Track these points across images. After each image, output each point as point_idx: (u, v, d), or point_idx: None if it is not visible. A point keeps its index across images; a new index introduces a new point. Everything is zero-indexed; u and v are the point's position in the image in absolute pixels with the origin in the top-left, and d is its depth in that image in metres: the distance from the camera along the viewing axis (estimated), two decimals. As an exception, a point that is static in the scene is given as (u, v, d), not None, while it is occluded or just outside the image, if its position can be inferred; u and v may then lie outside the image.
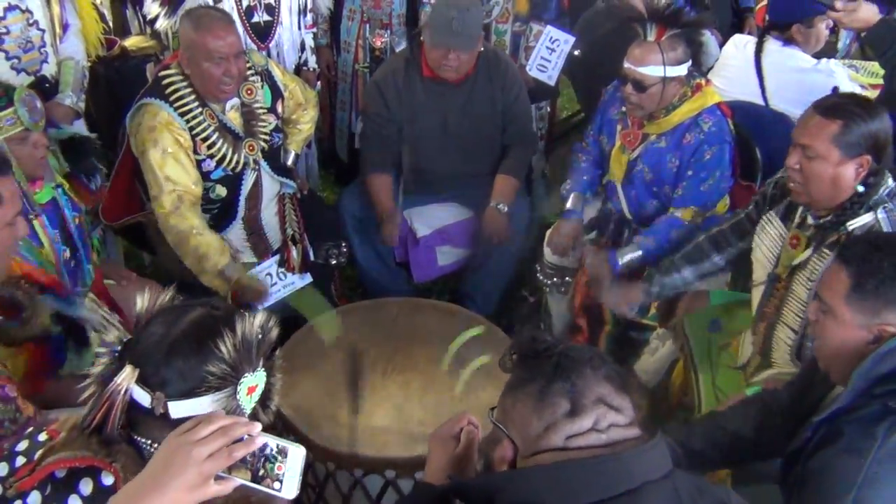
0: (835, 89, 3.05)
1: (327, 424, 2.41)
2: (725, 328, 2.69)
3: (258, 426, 1.23)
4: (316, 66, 3.65)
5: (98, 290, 2.58)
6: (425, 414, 2.45)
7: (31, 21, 2.82)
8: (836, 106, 2.17)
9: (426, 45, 3.15)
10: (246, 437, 1.22)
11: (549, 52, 3.68)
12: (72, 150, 2.73)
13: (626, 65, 2.77)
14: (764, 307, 2.43)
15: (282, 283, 3.07)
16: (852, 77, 3.57)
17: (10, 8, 2.75)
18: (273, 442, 1.24)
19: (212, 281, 2.85)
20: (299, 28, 3.46)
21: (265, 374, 1.44)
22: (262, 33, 3.33)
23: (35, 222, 2.38)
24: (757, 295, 2.47)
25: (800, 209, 2.32)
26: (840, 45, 4.45)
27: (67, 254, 2.50)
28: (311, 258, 3.14)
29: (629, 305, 2.82)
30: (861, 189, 2.15)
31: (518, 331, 3.24)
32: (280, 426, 2.51)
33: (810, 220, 2.27)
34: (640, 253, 2.87)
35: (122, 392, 1.36)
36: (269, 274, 3.04)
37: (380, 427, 2.43)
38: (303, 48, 3.53)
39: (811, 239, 2.26)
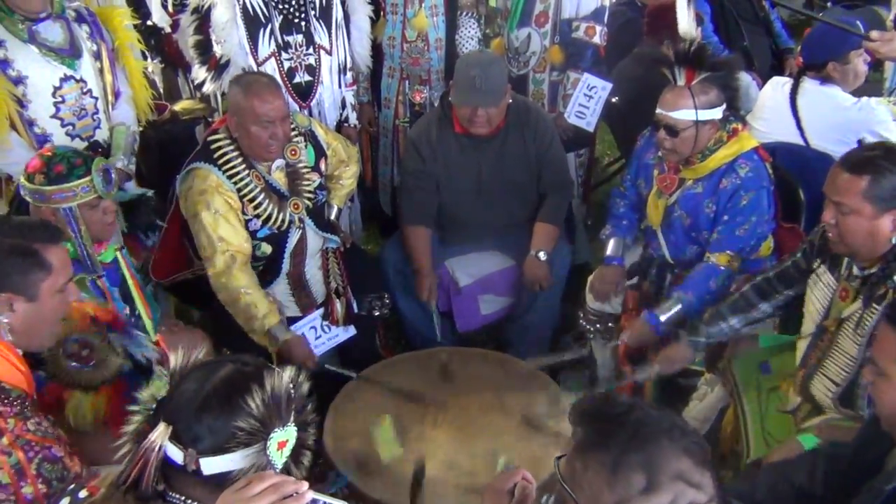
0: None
1: (381, 476, 2.42)
2: (776, 371, 2.65)
3: (306, 484, 1.29)
4: (357, 122, 3.72)
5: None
6: (476, 463, 2.45)
7: (84, 90, 2.93)
8: (863, 160, 2.16)
9: (454, 104, 3.20)
10: (295, 494, 1.28)
11: (587, 98, 3.71)
12: (131, 208, 2.84)
13: (658, 110, 2.78)
14: (808, 358, 2.40)
15: (326, 335, 3.12)
16: (896, 114, 3.53)
17: (65, 78, 2.88)
18: (321, 499, 1.29)
19: (261, 339, 2.92)
20: (340, 86, 3.53)
21: (296, 429, 1.47)
22: (304, 93, 3.42)
23: (98, 283, 2.52)
24: (802, 346, 2.45)
25: (845, 259, 2.30)
26: (887, 84, 4.40)
27: (127, 310, 2.63)
28: (355, 310, 3.19)
29: (680, 364, 2.74)
30: None
31: (566, 380, 3.24)
32: (333, 477, 2.52)
33: (856, 272, 2.25)
34: (680, 307, 2.81)
35: (156, 449, 1.40)
36: (314, 327, 3.09)
37: (432, 478, 2.42)
38: (343, 105, 3.60)
39: (859, 291, 2.23)
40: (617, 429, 1.25)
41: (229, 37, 3.23)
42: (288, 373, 1.48)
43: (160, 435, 1.41)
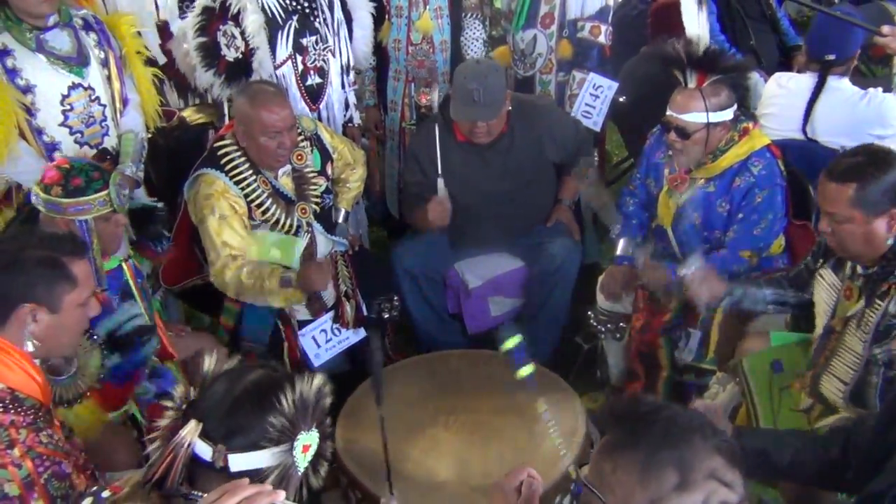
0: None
1: (393, 478, 2.41)
2: (788, 369, 2.63)
3: (282, 494, 1.30)
4: (360, 121, 3.71)
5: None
6: (489, 466, 2.44)
7: (93, 97, 2.93)
8: (847, 169, 2.15)
9: (453, 118, 3.20)
10: None
11: (594, 98, 3.71)
12: (139, 218, 2.85)
13: (669, 112, 2.77)
14: (816, 358, 2.40)
15: (336, 338, 3.13)
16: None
17: (73, 86, 2.88)
18: None
19: (285, 298, 2.91)
20: (344, 87, 3.53)
21: (318, 436, 1.51)
22: (315, 95, 3.41)
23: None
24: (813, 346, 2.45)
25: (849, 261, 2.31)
26: (896, 79, 4.37)
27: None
28: (365, 313, 3.18)
29: (711, 299, 2.66)
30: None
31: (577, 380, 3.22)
32: (345, 482, 2.52)
33: (859, 270, 2.26)
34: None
35: (186, 445, 1.43)
36: (324, 330, 3.10)
37: (444, 480, 2.43)
38: (347, 106, 3.60)
39: (862, 289, 2.24)
40: (647, 428, 1.24)
41: (262, 42, 3.19)
42: (317, 380, 1.51)
43: (190, 431, 1.44)
